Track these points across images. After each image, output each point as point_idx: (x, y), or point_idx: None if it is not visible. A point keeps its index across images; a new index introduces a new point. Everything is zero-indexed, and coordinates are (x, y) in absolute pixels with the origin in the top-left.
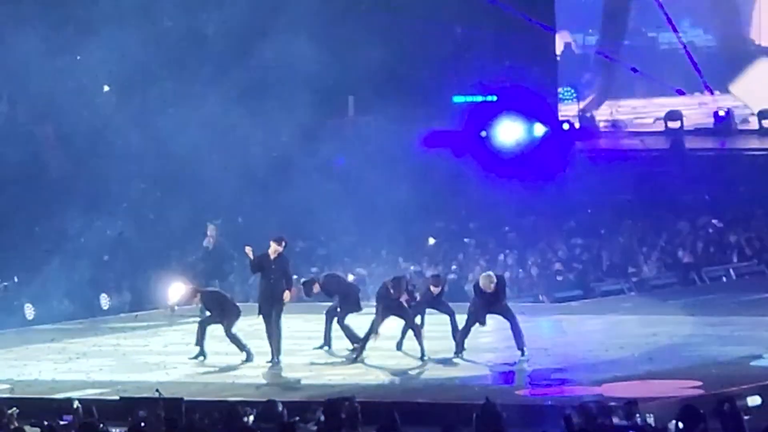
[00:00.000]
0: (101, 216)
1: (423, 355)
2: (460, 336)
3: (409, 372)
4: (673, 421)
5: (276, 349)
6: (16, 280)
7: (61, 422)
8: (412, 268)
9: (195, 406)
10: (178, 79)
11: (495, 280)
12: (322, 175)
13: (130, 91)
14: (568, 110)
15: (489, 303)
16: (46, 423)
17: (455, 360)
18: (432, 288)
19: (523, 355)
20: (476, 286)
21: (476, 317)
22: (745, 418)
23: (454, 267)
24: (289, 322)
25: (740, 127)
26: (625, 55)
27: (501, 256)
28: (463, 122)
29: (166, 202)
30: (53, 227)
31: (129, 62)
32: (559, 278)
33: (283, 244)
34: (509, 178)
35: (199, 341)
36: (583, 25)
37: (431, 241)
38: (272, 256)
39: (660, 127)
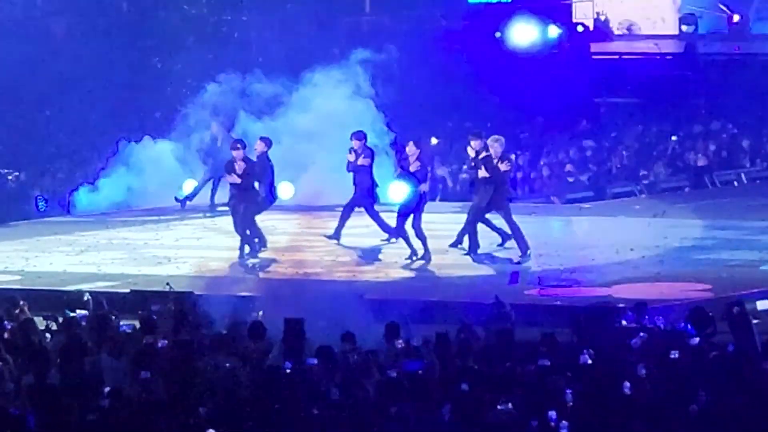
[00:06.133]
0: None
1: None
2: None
3: (420, 270)
4: (682, 324)
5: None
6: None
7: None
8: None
9: (204, 300)
10: None
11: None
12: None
13: None
14: (584, 11)
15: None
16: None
17: (465, 259)
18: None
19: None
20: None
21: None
22: (754, 321)
23: (465, 167)
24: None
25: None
26: None
27: (513, 157)
28: (477, 23)
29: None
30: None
31: None
32: (571, 179)
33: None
34: (522, 79)
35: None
36: None
37: (434, 141)
38: None
39: (674, 30)
